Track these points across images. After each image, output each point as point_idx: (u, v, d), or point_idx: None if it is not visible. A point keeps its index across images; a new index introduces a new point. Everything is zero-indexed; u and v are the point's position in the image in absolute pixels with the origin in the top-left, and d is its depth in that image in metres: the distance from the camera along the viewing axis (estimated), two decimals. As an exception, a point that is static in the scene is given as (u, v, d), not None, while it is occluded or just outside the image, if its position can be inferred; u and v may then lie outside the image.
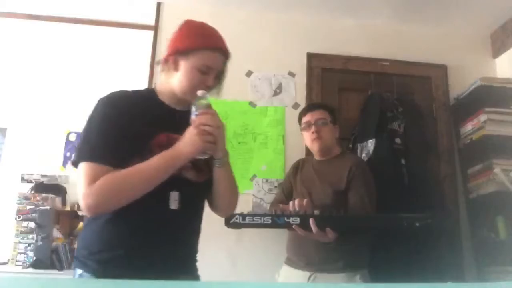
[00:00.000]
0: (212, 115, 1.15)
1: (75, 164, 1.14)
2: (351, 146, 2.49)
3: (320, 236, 1.58)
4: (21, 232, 2.23)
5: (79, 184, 1.09)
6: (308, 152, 2.43)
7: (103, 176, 1.07)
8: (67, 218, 2.32)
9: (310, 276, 1.79)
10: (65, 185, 2.45)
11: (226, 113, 2.58)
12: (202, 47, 1.20)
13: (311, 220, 1.54)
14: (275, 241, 2.28)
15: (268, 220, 1.52)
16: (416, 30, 2.89)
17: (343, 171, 1.87)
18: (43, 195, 2.31)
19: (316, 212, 1.60)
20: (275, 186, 2.52)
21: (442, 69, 2.83)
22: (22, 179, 2.44)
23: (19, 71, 2.65)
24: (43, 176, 2.45)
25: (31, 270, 2.11)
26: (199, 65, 1.19)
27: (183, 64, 1.20)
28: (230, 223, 1.48)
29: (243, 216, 1.46)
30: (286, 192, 2.11)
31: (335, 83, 2.76)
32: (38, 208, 2.24)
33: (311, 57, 2.76)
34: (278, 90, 2.71)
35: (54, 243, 2.19)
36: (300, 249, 1.87)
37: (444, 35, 2.90)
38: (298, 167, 2.13)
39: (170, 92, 1.24)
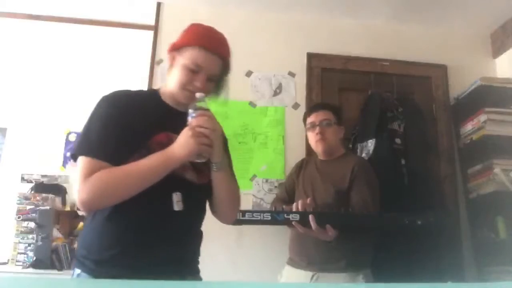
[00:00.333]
0: (209, 117, 1.13)
1: (74, 157, 1.15)
2: (351, 146, 2.50)
3: (320, 233, 1.58)
4: (21, 232, 2.23)
5: (77, 179, 1.11)
6: (309, 152, 2.43)
7: (97, 172, 1.08)
8: (67, 218, 2.32)
9: (312, 276, 1.79)
10: (65, 185, 2.45)
11: (226, 113, 2.58)
12: (194, 44, 1.18)
13: (310, 217, 1.54)
14: (276, 241, 2.29)
15: (267, 216, 1.52)
16: (416, 30, 2.90)
17: (346, 170, 1.87)
18: (43, 195, 2.31)
19: (316, 209, 1.60)
20: (275, 186, 2.52)
21: (442, 69, 2.83)
22: (22, 179, 2.44)
23: (19, 71, 2.65)
24: (43, 176, 2.45)
25: (31, 270, 2.11)
26: (188, 62, 1.17)
27: (177, 61, 1.20)
28: None
29: (243, 212, 1.47)
30: (289, 190, 2.12)
31: (335, 83, 2.76)
32: (38, 208, 2.24)
33: (311, 57, 2.76)
34: (278, 90, 2.71)
35: (54, 243, 2.19)
36: (302, 249, 1.87)
37: (444, 35, 2.90)
38: (301, 166, 2.14)
39: (170, 92, 1.24)
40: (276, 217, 1.53)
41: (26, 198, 2.29)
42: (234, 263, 2.37)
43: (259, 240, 2.38)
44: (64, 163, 2.51)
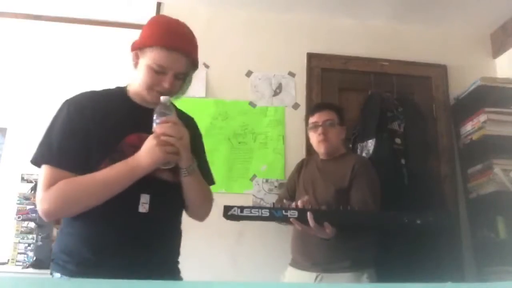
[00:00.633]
0: (174, 124, 1.09)
1: (35, 163, 1.13)
2: (351, 146, 2.50)
3: (318, 230, 1.57)
4: (21, 232, 2.23)
5: (38, 187, 1.10)
6: (309, 152, 2.43)
7: (59, 182, 1.06)
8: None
9: (316, 277, 1.78)
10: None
11: (226, 113, 2.58)
12: (156, 44, 1.12)
13: (308, 214, 1.54)
14: (276, 240, 2.29)
15: (266, 212, 1.51)
16: (416, 30, 2.90)
17: (346, 169, 1.87)
18: (43, 195, 2.30)
19: (315, 206, 1.60)
20: (275, 186, 2.52)
21: (442, 69, 2.83)
22: (22, 179, 2.44)
23: (19, 71, 2.65)
24: (43, 176, 2.45)
25: (31, 270, 2.11)
26: (152, 63, 1.12)
27: (141, 61, 1.16)
28: (228, 215, 1.48)
29: (241, 208, 1.46)
30: (290, 190, 2.12)
31: (335, 83, 2.76)
32: (38, 208, 2.24)
33: (311, 57, 2.76)
34: (278, 90, 2.71)
35: (54, 243, 2.19)
36: (305, 249, 1.86)
37: (444, 35, 2.90)
38: (302, 166, 2.14)
39: (137, 91, 1.20)
40: (274, 214, 1.52)
41: (26, 198, 2.29)
42: (234, 263, 2.37)
43: (259, 239, 2.38)
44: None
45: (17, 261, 2.19)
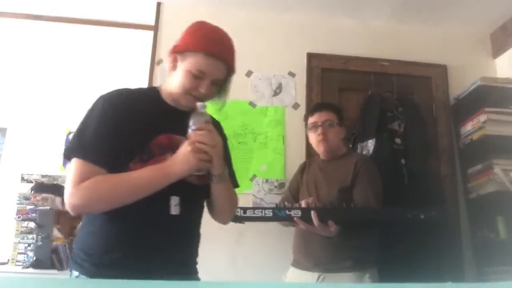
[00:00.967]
0: (209, 132, 1.11)
1: (67, 156, 1.13)
2: (351, 146, 2.50)
3: (322, 229, 1.57)
4: (21, 232, 2.23)
5: (67, 180, 1.09)
6: (309, 152, 2.43)
7: (92, 178, 1.06)
8: (67, 218, 2.32)
9: (318, 277, 1.78)
10: (65, 185, 2.45)
11: (226, 113, 2.58)
12: (199, 50, 1.14)
13: (312, 213, 1.54)
14: (276, 240, 2.29)
15: (269, 213, 1.51)
16: (416, 30, 2.90)
17: (348, 169, 1.88)
18: (43, 195, 2.30)
19: (318, 205, 1.60)
20: (275, 186, 2.52)
21: (442, 69, 2.83)
22: (22, 179, 2.44)
23: (19, 71, 2.65)
24: (43, 176, 2.45)
25: (31, 270, 2.11)
26: (192, 68, 1.14)
27: (180, 65, 1.18)
28: None
29: (244, 209, 1.46)
30: (293, 192, 2.12)
31: (335, 83, 2.76)
32: (38, 208, 2.24)
33: (311, 57, 2.76)
34: (278, 90, 2.71)
35: (54, 243, 2.19)
36: (307, 249, 1.87)
37: (444, 35, 2.90)
38: (304, 167, 2.14)
39: (171, 93, 1.21)
40: (277, 214, 1.53)
41: (26, 198, 2.29)
42: (234, 263, 2.37)
43: (259, 239, 2.38)
44: (64, 163, 2.51)
45: (17, 261, 2.18)
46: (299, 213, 1.54)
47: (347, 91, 2.75)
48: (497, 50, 2.89)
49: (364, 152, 2.38)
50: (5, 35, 2.71)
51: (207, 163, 1.11)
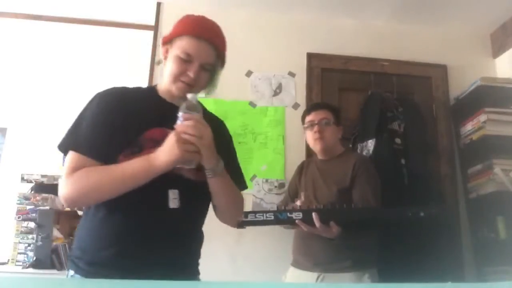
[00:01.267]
0: (196, 123, 1.06)
1: (61, 148, 1.15)
2: (351, 146, 2.50)
3: (324, 230, 1.57)
4: (21, 232, 2.23)
5: (62, 173, 1.11)
6: (309, 152, 2.43)
7: (82, 169, 1.07)
8: (67, 218, 2.32)
9: (318, 277, 1.78)
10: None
11: (226, 113, 2.58)
12: (184, 33, 1.15)
13: (314, 214, 1.53)
14: (276, 240, 2.29)
15: (270, 216, 1.50)
16: (416, 30, 2.90)
17: (347, 168, 1.88)
18: (43, 195, 2.30)
19: (319, 206, 1.60)
20: (275, 186, 2.52)
21: (442, 69, 2.83)
22: (22, 179, 2.43)
23: (19, 71, 2.65)
24: (43, 176, 2.45)
25: (31, 270, 2.11)
26: (179, 52, 1.13)
27: (169, 53, 1.17)
28: None
29: (245, 213, 1.44)
30: (292, 194, 2.12)
31: (335, 83, 2.76)
32: (38, 208, 2.24)
33: (311, 57, 2.77)
34: (278, 90, 2.71)
35: (54, 243, 2.19)
36: (307, 249, 1.87)
37: (444, 35, 2.90)
38: (302, 168, 2.14)
39: (166, 87, 1.20)
40: (279, 217, 1.52)
41: (26, 198, 2.29)
42: (234, 263, 2.37)
43: (259, 239, 2.38)
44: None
45: (17, 261, 2.18)
46: (300, 215, 1.54)
47: (347, 91, 2.75)
48: (497, 50, 2.89)
49: (364, 152, 2.38)
50: (5, 35, 2.71)
51: (193, 154, 1.06)
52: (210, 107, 2.63)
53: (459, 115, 2.70)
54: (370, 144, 2.37)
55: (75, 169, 1.08)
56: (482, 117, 2.44)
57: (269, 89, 2.70)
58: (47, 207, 2.25)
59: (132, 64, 2.66)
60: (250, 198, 2.48)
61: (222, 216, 1.28)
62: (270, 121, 2.64)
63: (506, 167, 2.39)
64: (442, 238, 2.34)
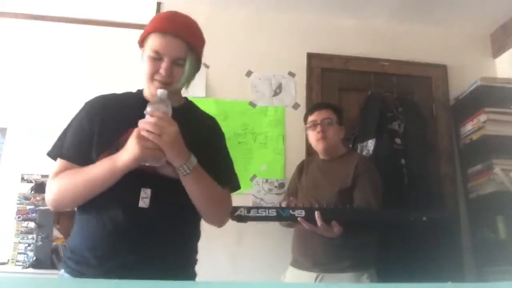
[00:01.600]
0: (157, 119, 1.02)
1: (49, 155, 1.18)
2: (351, 146, 2.49)
3: (325, 229, 1.57)
4: (21, 232, 2.23)
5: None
6: (309, 152, 2.43)
7: (62, 173, 1.11)
8: (67, 218, 2.31)
9: (317, 277, 1.78)
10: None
11: (226, 113, 2.58)
12: (151, 31, 1.14)
13: (316, 213, 1.53)
14: (276, 240, 2.29)
15: (273, 212, 1.50)
16: (416, 30, 2.89)
17: (349, 169, 1.88)
18: (43, 195, 2.29)
19: (321, 205, 1.60)
20: (275, 186, 2.52)
21: (442, 69, 2.83)
22: (22, 179, 2.43)
23: (20, 71, 2.65)
24: (43, 176, 2.44)
25: (31, 270, 2.11)
26: (149, 51, 1.13)
27: (143, 54, 1.18)
28: (234, 216, 1.48)
29: (248, 209, 1.44)
30: (292, 193, 2.12)
31: (335, 83, 2.76)
32: (38, 208, 2.24)
33: (311, 57, 2.76)
34: (278, 90, 2.70)
35: (54, 243, 2.19)
36: (306, 248, 1.87)
37: (444, 35, 2.90)
38: (302, 167, 2.14)
39: (147, 88, 1.21)
40: (281, 213, 1.52)
41: (26, 198, 2.29)
42: (234, 263, 2.37)
43: (259, 239, 2.38)
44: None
45: (17, 261, 2.18)
46: (302, 213, 1.54)
47: (347, 91, 2.75)
48: (497, 50, 2.89)
49: (364, 152, 2.38)
50: (5, 35, 2.71)
51: (153, 151, 1.02)
52: (210, 107, 2.65)
53: (459, 115, 2.70)
54: (370, 144, 2.37)
55: (57, 174, 1.13)
56: (482, 117, 2.44)
57: (269, 89, 2.70)
58: (47, 207, 2.24)
59: (132, 64, 2.65)
60: (250, 198, 2.48)
61: (203, 216, 1.21)
62: (270, 121, 2.64)
63: (506, 167, 2.39)
64: (442, 238, 2.35)
